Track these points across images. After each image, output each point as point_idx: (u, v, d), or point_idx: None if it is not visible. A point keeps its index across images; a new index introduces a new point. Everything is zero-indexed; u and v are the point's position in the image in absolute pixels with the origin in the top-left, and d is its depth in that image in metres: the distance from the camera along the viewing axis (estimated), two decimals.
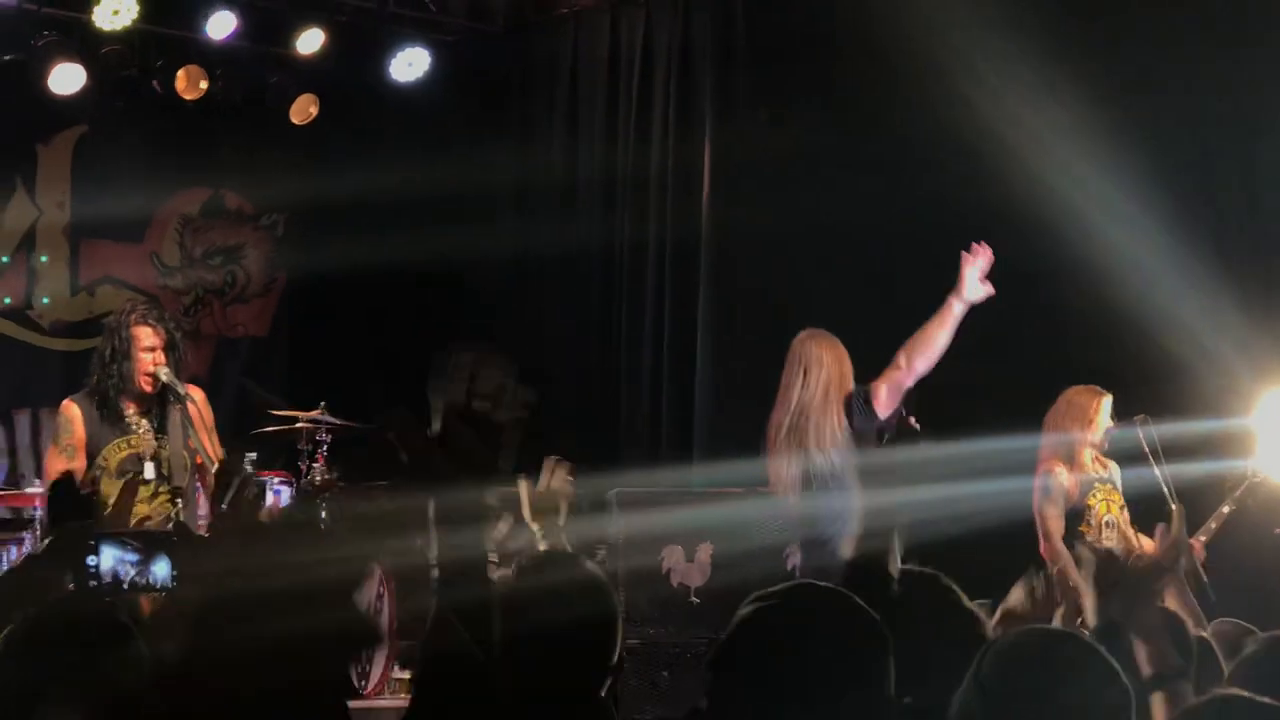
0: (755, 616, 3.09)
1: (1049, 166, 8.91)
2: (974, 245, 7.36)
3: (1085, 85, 8.93)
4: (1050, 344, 9.31)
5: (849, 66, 10.13)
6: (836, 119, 10.08)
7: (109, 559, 3.40)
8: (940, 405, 7.78)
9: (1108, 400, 8.61)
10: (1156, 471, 8.32)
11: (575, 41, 12.39)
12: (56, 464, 7.60)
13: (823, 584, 3.26)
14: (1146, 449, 8.33)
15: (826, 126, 10.08)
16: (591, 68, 12.26)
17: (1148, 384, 8.70)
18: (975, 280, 7.35)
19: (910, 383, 7.42)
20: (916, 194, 9.72)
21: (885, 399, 7.42)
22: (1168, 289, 8.62)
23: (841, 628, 3.09)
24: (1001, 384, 8.92)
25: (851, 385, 7.46)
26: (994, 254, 7.38)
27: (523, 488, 4.87)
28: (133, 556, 3.41)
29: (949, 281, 7.61)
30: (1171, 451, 8.37)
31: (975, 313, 7.49)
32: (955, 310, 7.34)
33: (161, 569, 3.43)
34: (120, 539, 3.45)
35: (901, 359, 7.38)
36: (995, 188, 9.04)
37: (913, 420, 7.55)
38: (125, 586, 3.43)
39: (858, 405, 7.42)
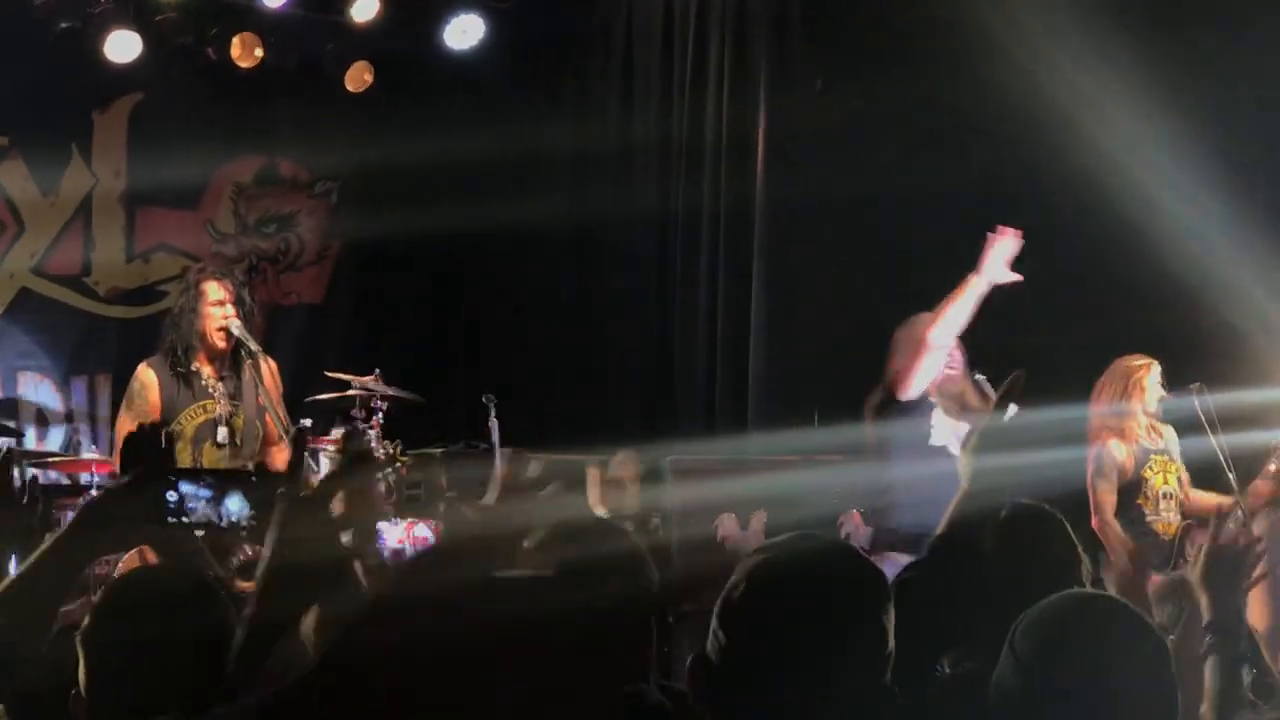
0: (760, 567, 3.05)
1: (1108, 137, 8.86)
2: (1000, 228, 7.29)
3: (1145, 55, 8.87)
4: (1109, 313, 9.27)
5: (905, 34, 10.08)
6: (892, 86, 10.03)
7: (185, 495, 3.44)
8: (1001, 377, 7.73)
9: (1156, 368, 8.57)
10: (1213, 441, 8.27)
11: (629, 8, 12.37)
12: (128, 429, 7.59)
13: (825, 535, 3.23)
14: (1203, 418, 8.28)
15: (882, 94, 10.04)
16: (645, 34, 12.23)
17: (1205, 353, 8.66)
18: (1000, 261, 7.24)
19: (930, 354, 7.36)
20: (972, 163, 9.67)
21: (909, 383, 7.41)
22: (1226, 259, 8.57)
23: (843, 576, 3.05)
24: (1060, 353, 8.88)
25: None
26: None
27: (591, 474, 4.80)
28: (205, 493, 3.44)
29: None
30: (1228, 421, 8.32)
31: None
32: (973, 286, 7.22)
33: (236, 505, 3.45)
34: (196, 475, 3.47)
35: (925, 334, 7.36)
36: (1053, 158, 9.00)
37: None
38: (200, 522, 3.46)
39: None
